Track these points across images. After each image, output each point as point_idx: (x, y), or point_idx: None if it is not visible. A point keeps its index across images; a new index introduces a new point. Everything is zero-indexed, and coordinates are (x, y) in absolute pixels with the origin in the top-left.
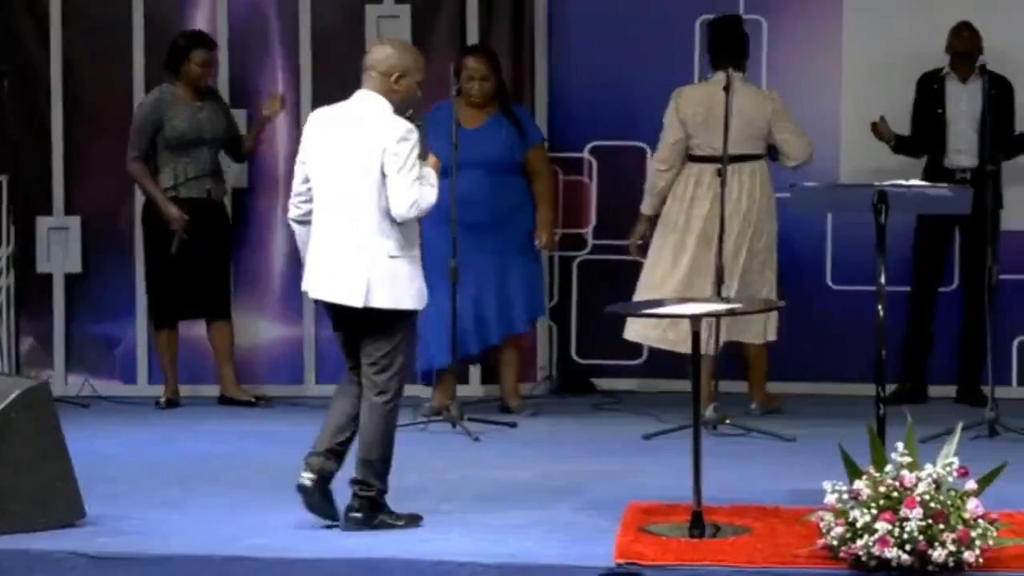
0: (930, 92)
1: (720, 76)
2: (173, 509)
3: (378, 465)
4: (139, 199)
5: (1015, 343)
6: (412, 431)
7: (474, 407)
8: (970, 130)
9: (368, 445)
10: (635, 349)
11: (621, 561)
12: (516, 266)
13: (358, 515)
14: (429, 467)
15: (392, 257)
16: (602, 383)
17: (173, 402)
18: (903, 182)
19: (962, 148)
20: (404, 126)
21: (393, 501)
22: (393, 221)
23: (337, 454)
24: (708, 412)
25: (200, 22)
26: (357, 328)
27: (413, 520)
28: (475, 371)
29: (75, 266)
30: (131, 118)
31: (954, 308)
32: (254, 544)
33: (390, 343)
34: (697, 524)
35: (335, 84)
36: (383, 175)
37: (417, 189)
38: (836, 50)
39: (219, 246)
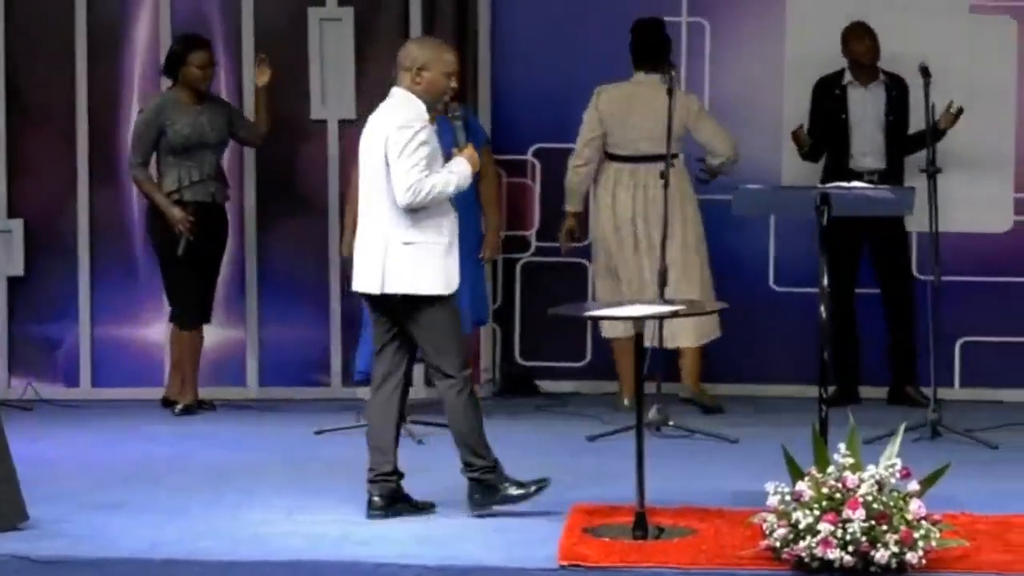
0: (831, 96)
1: (639, 76)
2: (116, 512)
3: (471, 441)
4: (83, 201)
5: (958, 345)
6: (355, 434)
7: (417, 409)
8: (875, 132)
9: (456, 430)
10: (579, 351)
11: (564, 563)
12: (461, 269)
13: (476, 496)
14: None
15: (407, 244)
16: (546, 385)
17: (190, 408)
18: (845, 184)
19: (867, 151)
20: (407, 115)
21: (332, 504)
22: (409, 208)
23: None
24: (651, 414)
25: (143, 23)
26: (399, 319)
27: (540, 485)
28: (418, 373)
29: (17, 269)
30: (74, 119)
31: (874, 310)
32: (197, 547)
33: (426, 329)
34: (640, 526)
35: (278, 86)
36: (387, 164)
37: (415, 175)
38: (778, 52)
39: (219, 250)
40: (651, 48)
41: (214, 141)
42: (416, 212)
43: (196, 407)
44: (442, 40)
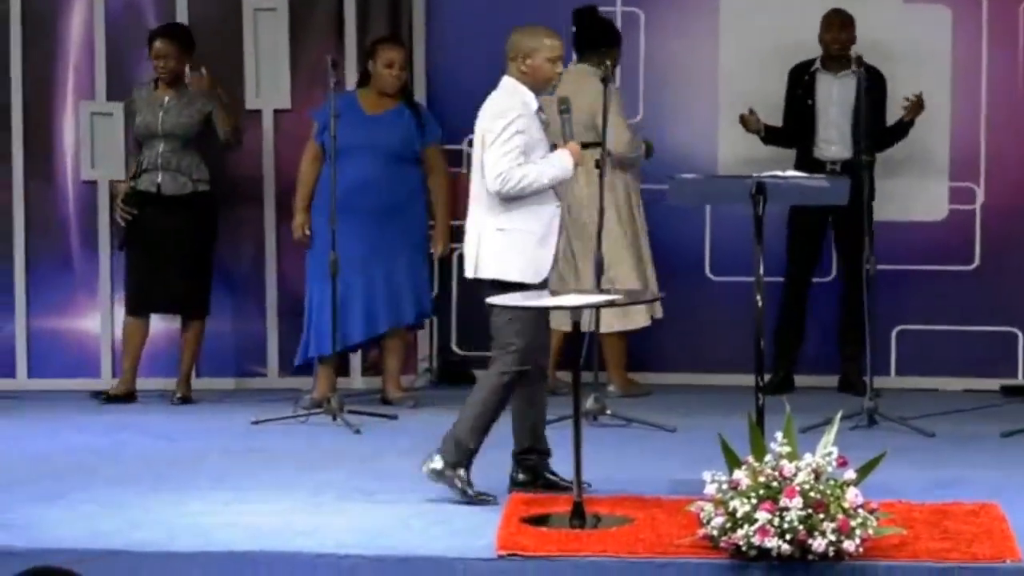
0: (801, 83)
1: (571, 67)
2: (53, 503)
3: (459, 426)
4: (19, 194)
5: (894, 333)
6: (292, 424)
7: (355, 399)
8: (842, 121)
9: (467, 402)
10: None
11: (503, 552)
12: (407, 257)
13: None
14: (309, 460)
15: (500, 230)
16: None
17: (119, 397)
18: (780, 173)
19: (834, 139)
20: (504, 104)
21: (272, 495)
22: (500, 196)
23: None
24: (588, 403)
25: (76, 17)
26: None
27: (483, 498)
28: (356, 363)
29: None
30: (8, 113)
31: (831, 298)
32: (135, 538)
33: (501, 316)
34: (578, 515)
35: (213, 76)
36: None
37: (506, 163)
38: (713, 41)
39: (177, 242)
40: (589, 37)
41: (163, 132)
42: (512, 200)
43: (125, 398)
44: (546, 28)
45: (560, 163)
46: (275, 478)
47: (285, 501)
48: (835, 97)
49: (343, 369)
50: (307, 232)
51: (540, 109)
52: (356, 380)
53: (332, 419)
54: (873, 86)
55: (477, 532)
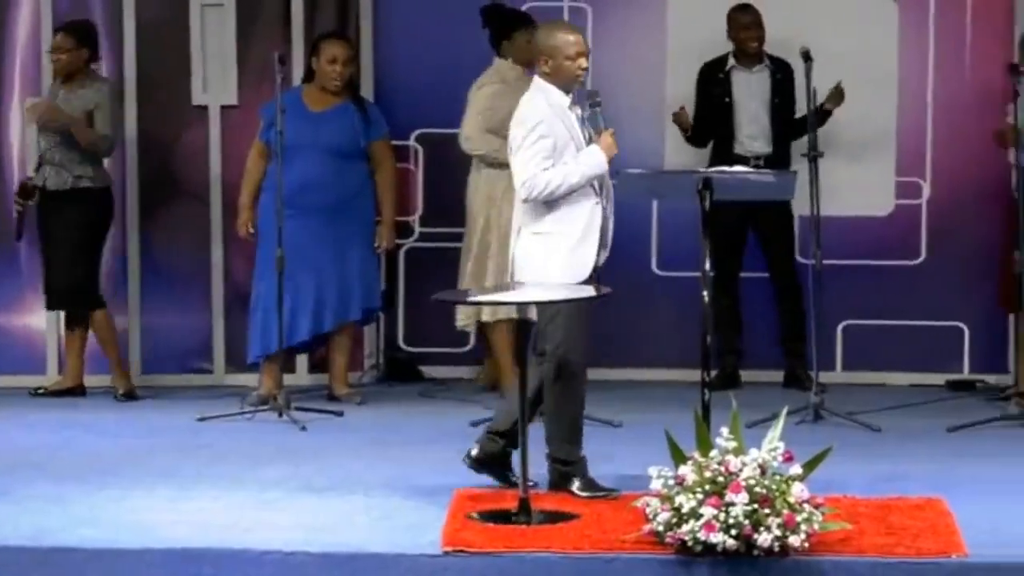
0: (716, 81)
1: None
2: None
3: (555, 431)
4: None
5: (840, 328)
6: (239, 420)
7: (301, 396)
8: (762, 116)
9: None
10: (462, 336)
11: (448, 548)
12: (354, 253)
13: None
14: (256, 456)
15: (536, 234)
16: (429, 371)
17: (62, 392)
18: (727, 168)
19: (755, 135)
20: (528, 109)
21: (218, 491)
22: (529, 201)
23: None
24: None
25: (24, 14)
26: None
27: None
28: (302, 359)
29: None
30: None
31: (764, 294)
32: (82, 535)
33: (544, 318)
34: (524, 510)
35: (160, 74)
36: None
37: (531, 170)
38: (660, 36)
39: (58, 237)
40: (499, 29)
41: (41, 125)
42: (548, 204)
43: (69, 392)
44: (565, 23)
45: (591, 160)
46: (221, 475)
47: (231, 498)
48: (753, 92)
49: (290, 365)
50: (251, 230)
51: (576, 104)
52: (303, 377)
53: (278, 416)
54: (785, 78)
55: (423, 528)
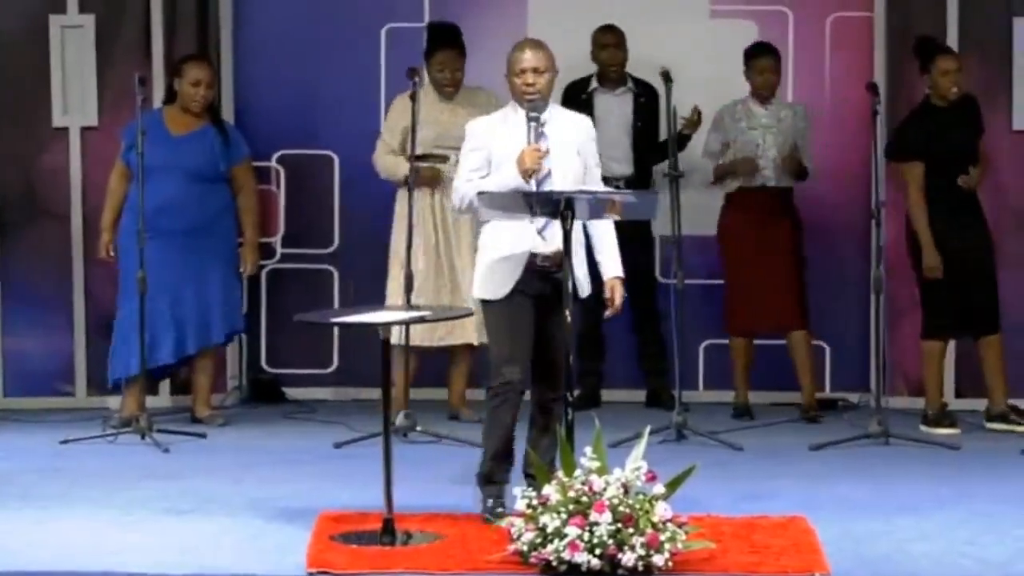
0: (578, 102)
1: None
2: None
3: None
4: None
5: (701, 347)
6: (101, 443)
7: (164, 418)
8: (623, 138)
9: None
10: (325, 357)
11: (312, 570)
12: (215, 276)
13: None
14: (119, 479)
15: (477, 250)
16: (293, 392)
17: None
18: (589, 188)
19: (617, 157)
20: (472, 123)
21: (82, 514)
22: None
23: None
24: (399, 419)
25: None
26: None
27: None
28: (165, 381)
29: None
30: None
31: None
32: None
33: (485, 331)
34: (388, 532)
35: (19, 96)
36: None
37: (457, 183)
38: None
39: None
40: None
41: None
42: (486, 218)
43: None
44: (526, 41)
45: (503, 173)
46: (85, 497)
47: (95, 520)
48: (615, 115)
49: (152, 387)
50: (111, 252)
51: (536, 120)
52: (165, 398)
53: (141, 438)
54: (649, 100)
55: (287, 550)
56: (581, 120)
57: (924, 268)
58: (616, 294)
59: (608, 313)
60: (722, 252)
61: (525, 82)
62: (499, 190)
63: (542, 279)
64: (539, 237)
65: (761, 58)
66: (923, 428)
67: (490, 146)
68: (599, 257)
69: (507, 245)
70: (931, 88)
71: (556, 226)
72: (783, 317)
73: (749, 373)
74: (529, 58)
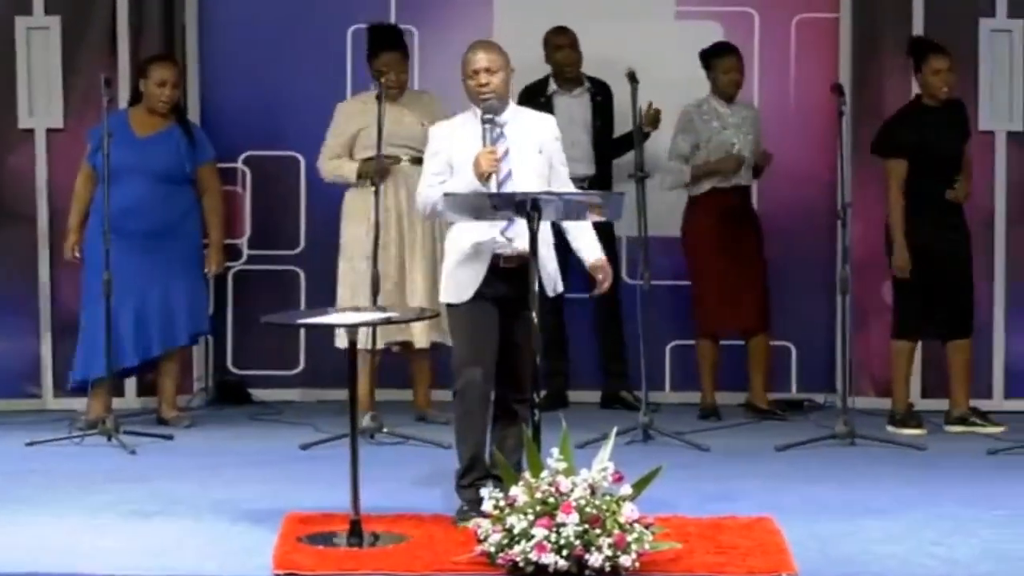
0: (537, 105)
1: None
2: None
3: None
4: None
5: (668, 348)
6: (68, 445)
7: (130, 419)
8: (584, 138)
9: None
10: (292, 359)
11: (279, 572)
12: (181, 278)
13: None
14: (86, 481)
15: (445, 253)
16: (260, 394)
17: None
18: (555, 190)
19: (577, 157)
20: (429, 134)
21: (51, 515)
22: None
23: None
24: (365, 421)
25: None
26: None
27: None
28: (131, 383)
29: None
30: None
31: (588, 315)
32: None
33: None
34: (355, 533)
35: None
36: None
37: (419, 187)
38: None
39: None
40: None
41: None
42: (452, 224)
43: None
44: (478, 43)
45: (461, 177)
46: (51, 499)
47: (62, 522)
48: (575, 116)
49: (118, 389)
50: (77, 254)
51: (490, 121)
52: (131, 400)
53: (107, 440)
54: (605, 99)
55: (254, 551)
56: (544, 119)
57: (894, 266)
58: (603, 275)
59: (596, 292)
60: (688, 254)
61: (478, 83)
62: (459, 191)
63: (506, 280)
64: (502, 238)
65: (726, 58)
66: (890, 428)
67: (450, 150)
68: (576, 244)
69: (470, 248)
70: (922, 87)
71: (519, 227)
72: (749, 319)
73: (716, 374)
74: (481, 58)
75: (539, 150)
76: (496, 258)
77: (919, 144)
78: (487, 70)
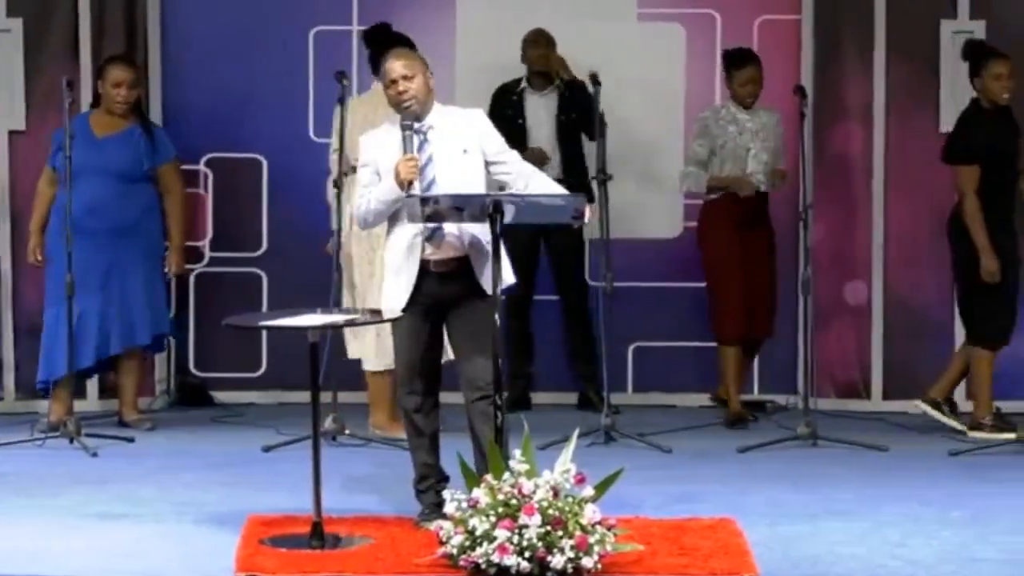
0: (509, 104)
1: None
2: None
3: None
4: None
5: (630, 350)
6: (29, 448)
7: (92, 422)
8: (551, 138)
9: None
10: (254, 361)
11: (241, 574)
12: (140, 277)
13: None
14: (47, 484)
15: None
16: (222, 396)
17: None
18: (517, 192)
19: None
20: (360, 143)
21: (7, 519)
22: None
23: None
24: (327, 423)
25: None
26: None
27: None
28: (92, 385)
29: None
30: None
31: (555, 316)
32: None
33: None
34: (317, 535)
35: None
36: None
37: (355, 204)
38: (449, 58)
39: None
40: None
41: None
42: (390, 231)
43: None
44: (397, 51)
45: (382, 186)
46: (12, 503)
47: (23, 525)
48: (544, 115)
49: (80, 391)
50: (39, 257)
51: (409, 127)
52: (93, 402)
53: (69, 442)
54: (574, 95)
55: (216, 554)
56: (470, 114)
57: (984, 273)
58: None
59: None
60: (706, 263)
61: (397, 91)
62: (384, 200)
63: (441, 283)
64: (428, 246)
65: (745, 69)
66: (978, 435)
67: (376, 160)
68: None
69: (400, 258)
70: (980, 92)
71: (445, 231)
72: (763, 324)
73: (741, 381)
74: (397, 68)
75: (464, 150)
76: (425, 264)
77: (991, 148)
78: (404, 77)
